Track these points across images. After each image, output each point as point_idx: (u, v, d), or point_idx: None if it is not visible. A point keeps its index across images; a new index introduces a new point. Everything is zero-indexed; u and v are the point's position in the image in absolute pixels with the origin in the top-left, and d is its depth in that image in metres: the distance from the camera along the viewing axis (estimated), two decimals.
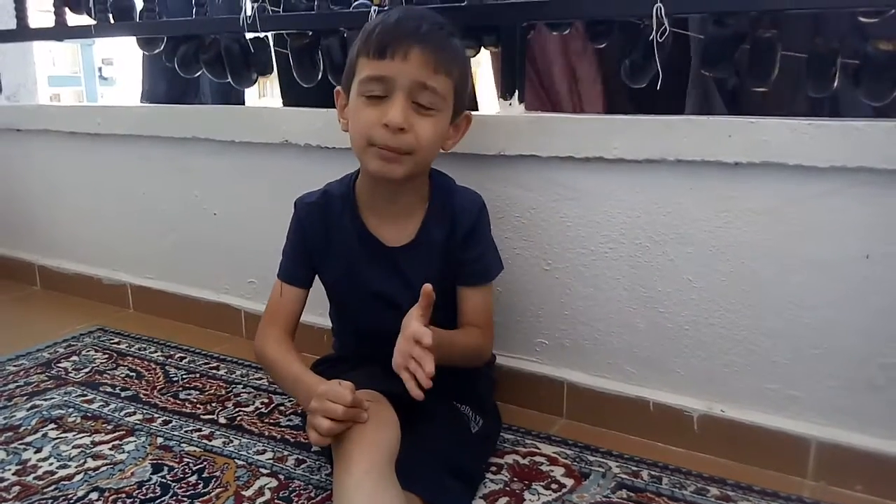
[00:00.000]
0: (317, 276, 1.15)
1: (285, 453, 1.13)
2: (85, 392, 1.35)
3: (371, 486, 0.84)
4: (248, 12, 1.47)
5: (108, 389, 1.36)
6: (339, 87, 1.08)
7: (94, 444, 1.16)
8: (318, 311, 1.19)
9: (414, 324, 0.89)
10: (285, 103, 1.97)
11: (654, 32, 1.10)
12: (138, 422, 1.23)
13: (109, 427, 1.22)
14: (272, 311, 1.13)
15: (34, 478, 1.07)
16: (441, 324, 1.08)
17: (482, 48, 1.35)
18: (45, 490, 1.03)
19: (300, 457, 1.12)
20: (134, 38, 1.73)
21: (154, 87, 2.42)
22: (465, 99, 1.06)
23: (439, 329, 0.95)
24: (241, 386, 1.38)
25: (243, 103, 2.27)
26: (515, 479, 1.06)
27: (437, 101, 0.98)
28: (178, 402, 1.31)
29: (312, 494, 1.02)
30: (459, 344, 1.04)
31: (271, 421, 1.24)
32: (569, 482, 1.05)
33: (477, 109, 1.43)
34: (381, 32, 0.98)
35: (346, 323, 1.18)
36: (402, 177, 1.00)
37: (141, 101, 2.44)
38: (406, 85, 0.96)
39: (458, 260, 1.08)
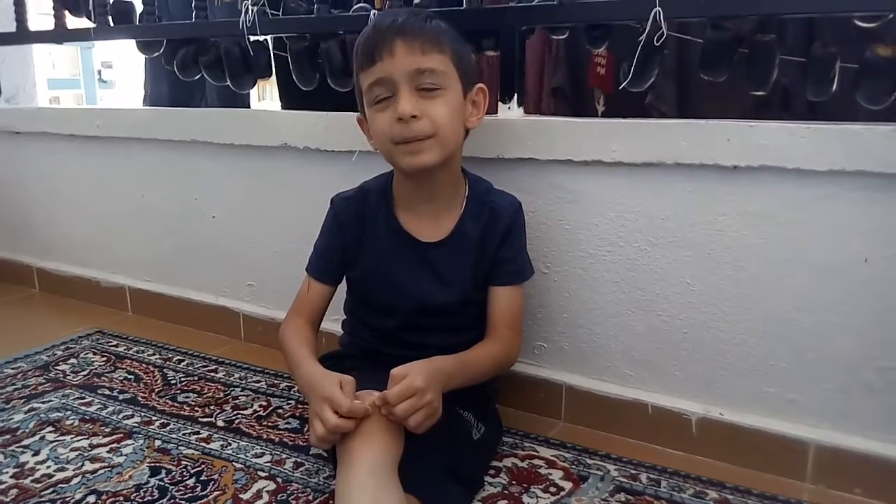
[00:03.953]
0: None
1: (283, 456, 1.13)
2: (83, 395, 1.35)
3: (375, 488, 0.84)
4: (248, 16, 1.48)
5: (106, 392, 1.36)
6: (358, 116, 1.12)
7: (92, 446, 1.16)
8: None
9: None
10: (284, 106, 1.98)
11: (644, 34, 1.10)
12: (136, 424, 1.23)
13: (107, 430, 1.21)
14: (298, 303, 1.16)
15: (32, 481, 1.06)
16: (470, 324, 1.12)
17: (480, 52, 1.35)
18: (42, 493, 1.03)
19: (298, 460, 1.12)
20: (133, 42, 1.74)
21: (156, 91, 2.42)
22: (472, 69, 1.08)
23: (448, 357, 1.00)
24: (240, 389, 1.38)
25: (248, 107, 2.27)
26: (514, 482, 1.06)
27: (439, 79, 1.00)
28: (177, 404, 1.31)
29: (310, 497, 1.02)
30: (473, 363, 1.05)
31: (269, 424, 1.24)
32: (567, 485, 1.05)
33: None
34: (364, 42, 1.02)
35: (365, 319, 1.17)
36: (434, 162, 1.02)
37: (143, 105, 2.43)
38: (404, 76, 0.99)
39: (494, 258, 1.09)
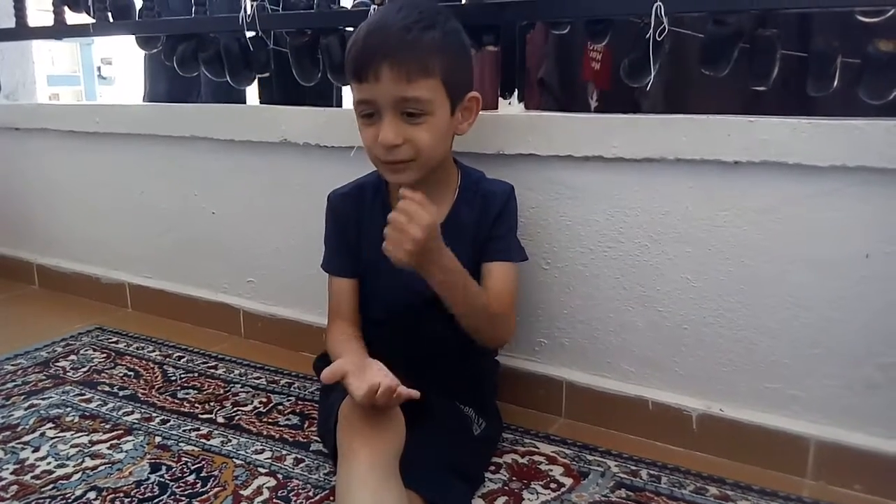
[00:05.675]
0: None
1: (283, 452, 1.13)
2: (83, 391, 1.35)
3: (375, 483, 0.84)
4: (248, 11, 1.47)
5: (106, 388, 1.36)
6: None
7: (92, 443, 1.16)
8: (317, 311, 1.19)
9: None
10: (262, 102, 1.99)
11: (645, 29, 1.10)
12: (136, 421, 1.23)
13: (107, 426, 1.21)
14: (331, 306, 1.16)
15: (32, 477, 1.06)
16: None
17: (481, 47, 1.35)
18: (42, 489, 1.03)
19: (298, 456, 1.12)
20: (133, 38, 1.73)
21: (155, 87, 2.42)
22: (464, 81, 1.04)
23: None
24: (240, 385, 1.38)
25: (244, 103, 2.26)
26: (514, 478, 1.06)
27: (424, 106, 0.98)
28: (177, 401, 1.31)
29: (311, 493, 1.02)
30: (472, 286, 1.03)
31: (269, 420, 1.23)
32: (568, 481, 1.05)
33: None
34: (353, 53, 1.01)
35: (366, 313, 1.17)
36: (415, 180, 1.03)
37: (143, 102, 2.43)
38: (388, 103, 0.98)
39: (486, 238, 1.09)
